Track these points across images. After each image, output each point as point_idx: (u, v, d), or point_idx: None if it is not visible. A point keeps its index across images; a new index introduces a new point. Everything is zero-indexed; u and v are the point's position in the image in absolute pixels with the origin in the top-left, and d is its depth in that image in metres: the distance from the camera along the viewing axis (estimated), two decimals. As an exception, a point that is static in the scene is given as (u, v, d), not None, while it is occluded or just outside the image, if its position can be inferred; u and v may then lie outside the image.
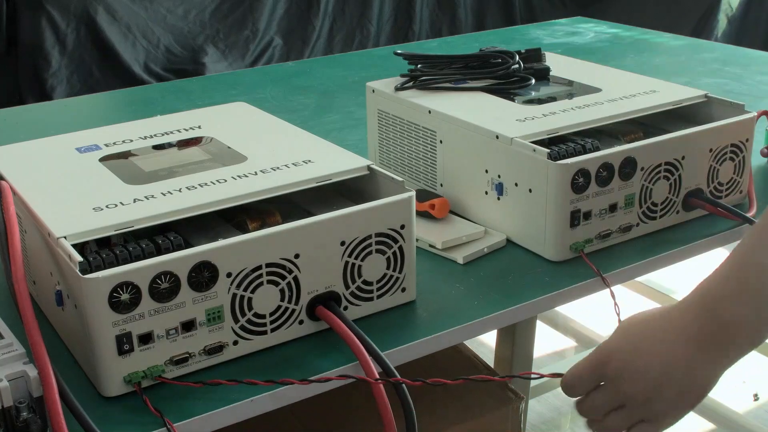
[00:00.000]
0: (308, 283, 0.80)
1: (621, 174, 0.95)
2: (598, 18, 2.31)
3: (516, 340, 1.44)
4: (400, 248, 0.85)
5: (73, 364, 0.79)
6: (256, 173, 0.86)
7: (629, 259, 0.95)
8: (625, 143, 1.02)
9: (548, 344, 2.17)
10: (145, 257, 0.73)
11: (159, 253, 0.74)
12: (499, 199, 1.00)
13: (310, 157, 0.90)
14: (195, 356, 0.76)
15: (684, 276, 1.47)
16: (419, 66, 1.21)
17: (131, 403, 0.73)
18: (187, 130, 1.03)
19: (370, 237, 0.82)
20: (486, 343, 1.86)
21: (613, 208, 0.96)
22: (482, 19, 4.25)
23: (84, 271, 0.70)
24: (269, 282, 0.78)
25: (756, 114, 1.07)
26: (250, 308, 0.77)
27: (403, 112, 1.12)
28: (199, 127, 1.04)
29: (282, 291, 0.79)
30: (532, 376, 0.78)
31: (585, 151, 0.94)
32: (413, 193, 0.84)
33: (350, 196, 0.90)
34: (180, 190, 0.83)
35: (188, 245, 0.76)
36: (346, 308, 0.83)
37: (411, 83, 1.16)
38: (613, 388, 0.72)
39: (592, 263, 0.93)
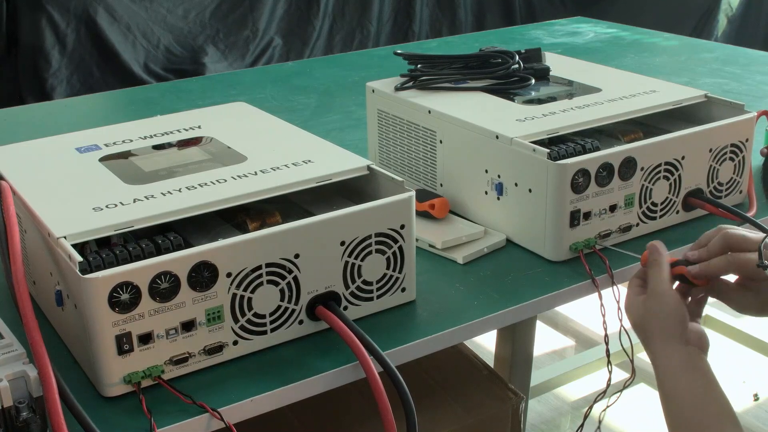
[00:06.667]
0: (308, 283, 0.80)
1: (621, 174, 0.95)
2: (598, 18, 2.31)
3: (516, 340, 1.44)
4: (400, 248, 0.85)
5: (73, 364, 0.79)
6: (256, 173, 0.86)
7: (629, 259, 0.95)
8: (625, 143, 1.02)
9: (548, 344, 2.17)
10: (145, 257, 0.73)
11: (159, 253, 0.74)
12: (498, 199, 1.00)
13: (310, 157, 0.90)
14: (195, 356, 0.76)
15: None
16: (419, 66, 1.21)
17: (131, 403, 0.73)
18: (187, 130, 1.03)
19: (370, 237, 0.82)
20: (486, 343, 1.86)
21: (613, 208, 0.96)
22: (482, 19, 4.25)
23: (84, 271, 0.70)
24: (269, 282, 0.78)
25: (756, 114, 1.07)
26: (250, 308, 0.77)
27: (403, 112, 1.12)
28: (199, 127, 1.04)
29: (282, 291, 0.79)
30: None
31: (585, 151, 0.94)
32: (413, 193, 0.84)
33: (350, 196, 0.90)
34: (180, 190, 0.83)
35: (188, 245, 0.76)
36: (346, 308, 0.83)
37: (411, 83, 1.16)
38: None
39: (590, 264, 0.93)
